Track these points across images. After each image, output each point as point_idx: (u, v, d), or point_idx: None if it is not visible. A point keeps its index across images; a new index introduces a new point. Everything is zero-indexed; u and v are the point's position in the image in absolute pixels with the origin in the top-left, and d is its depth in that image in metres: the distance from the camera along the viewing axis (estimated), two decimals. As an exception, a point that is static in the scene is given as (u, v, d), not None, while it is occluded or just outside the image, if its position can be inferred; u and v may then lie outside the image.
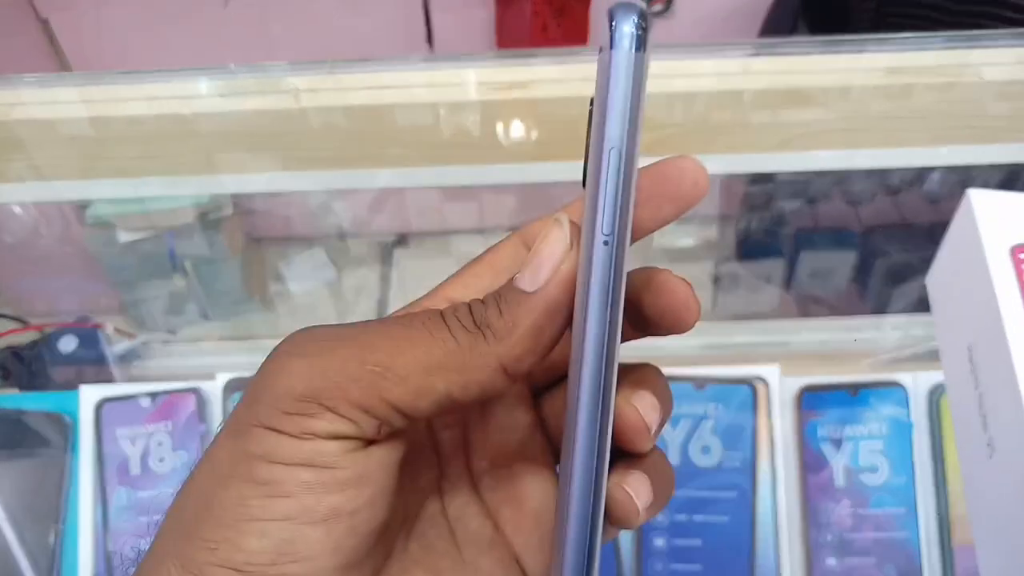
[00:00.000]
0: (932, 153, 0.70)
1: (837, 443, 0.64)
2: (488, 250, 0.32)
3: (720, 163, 0.72)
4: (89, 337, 0.77)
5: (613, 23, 0.24)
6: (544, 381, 0.33)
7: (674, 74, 0.67)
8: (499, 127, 0.69)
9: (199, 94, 0.69)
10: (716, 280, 1.12)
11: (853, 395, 0.65)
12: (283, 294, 1.19)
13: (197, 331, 1.11)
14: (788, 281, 1.08)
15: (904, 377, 0.65)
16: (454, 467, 0.32)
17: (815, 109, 0.67)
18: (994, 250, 0.42)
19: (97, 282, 1.07)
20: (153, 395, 0.68)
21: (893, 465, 0.64)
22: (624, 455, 0.28)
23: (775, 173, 0.97)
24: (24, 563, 0.65)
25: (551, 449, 0.32)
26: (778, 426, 0.64)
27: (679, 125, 0.68)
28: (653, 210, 0.28)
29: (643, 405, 0.28)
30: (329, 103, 0.68)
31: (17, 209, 0.87)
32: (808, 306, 1.11)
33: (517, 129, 0.69)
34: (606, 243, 0.25)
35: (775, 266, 1.09)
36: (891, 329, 0.78)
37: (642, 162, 0.28)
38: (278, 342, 0.27)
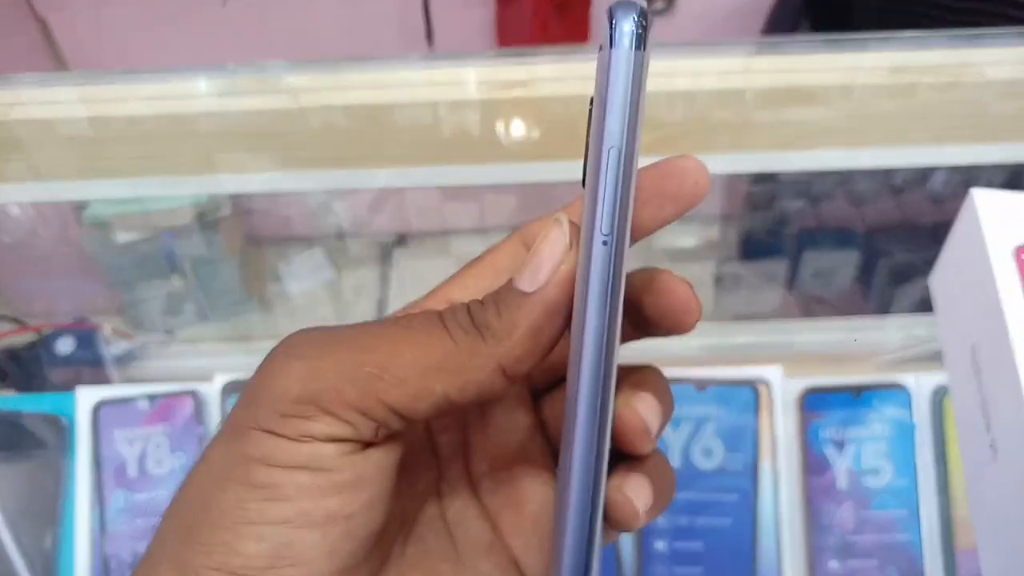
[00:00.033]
0: (935, 152, 0.70)
1: (840, 445, 0.64)
2: (488, 250, 0.32)
3: (722, 162, 0.71)
4: (87, 338, 0.77)
5: (613, 21, 0.24)
6: (544, 382, 0.33)
7: (675, 73, 0.67)
8: (499, 126, 0.69)
9: (198, 94, 0.69)
10: (718, 280, 1.12)
11: (856, 397, 0.65)
12: (282, 295, 1.19)
13: (195, 332, 1.11)
14: (791, 281, 1.08)
15: (907, 378, 0.65)
16: (453, 470, 0.32)
17: (817, 108, 0.67)
18: (997, 250, 0.42)
19: (95, 283, 1.07)
20: (151, 397, 0.68)
21: (896, 467, 0.63)
22: (624, 457, 0.28)
23: (777, 172, 0.97)
24: (21, 566, 0.65)
25: (551, 451, 0.32)
26: (780, 428, 0.64)
27: (680, 124, 0.68)
28: (654, 210, 0.28)
29: (643, 407, 0.28)
30: (328, 102, 0.67)
31: (15, 209, 0.87)
32: (811, 306, 1.11)
33: (518, 128, 0.69)
34: (605, 243, 0.24)
35: (777, 266, 1.09)
36: (894, 330, 0.78)
37: (643, 161, 0.28)
38: (277, 343, 0.27)
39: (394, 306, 0.32)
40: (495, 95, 0.68)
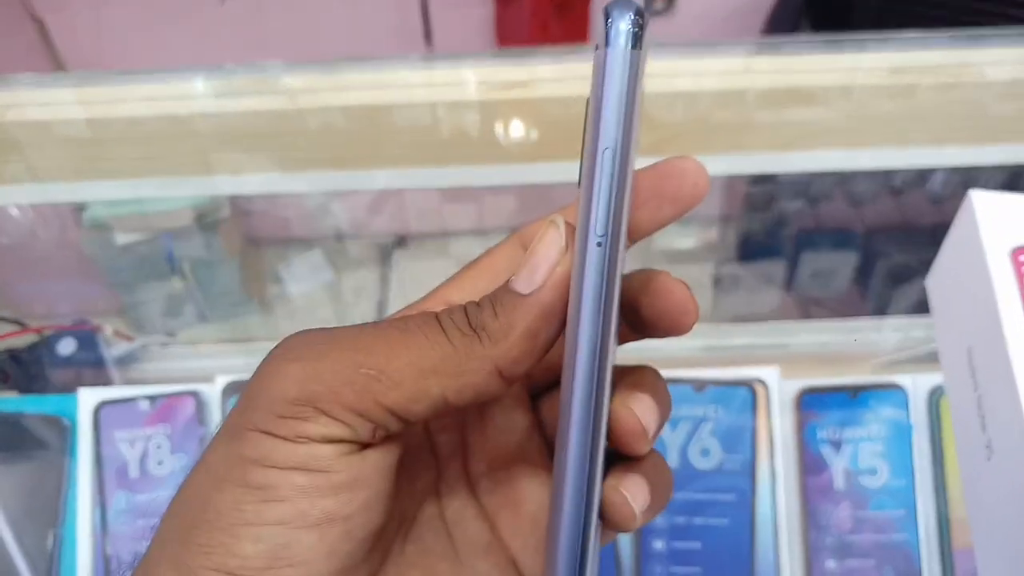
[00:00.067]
0: (935, 153, 0.70)
1: (837, 445, 0.64)
2: (486, 252, 0.32)
3: (721, 163, 0.72)
4: (87, 340, 0.77)
5: (609, 21, 0.24)
6: (543, 383, 0.33)
7: (675, 73, 0.67)
8: (499, 127, 0.69)
9: (196, 94, 0.69)
10: (717, 281, 1.12)
11: (853, 397, 0.65)
12: (282, 296, 1.19)
13: (195, 333, 1.11)
14: (789, 282, 1.08)
15: (904, 379, 0.65)
16: (451, 470, 0.32)
17: (817, 108, 0.67)
18: (994, 252, 0.42)
19: (95, 284, 1.07)
20: (152, 398, 0.68)
21: (893, 467, 0.63)
22: (622, 458, 0.28)
23: (776, 173, 0.97)
24: (22, 567, 0.65)
25: (549, 451, 0.32)
26: (777, 428, 0.64)
27: (680, 124, 0.68)
28: (653, 211, 0.28)
29: (640, 408, 0.27)
30: (327, 103, 0.67)
31: (14, 211, 0.87)
32: (808, 307, 1.11)
33: (517, 129, 0.69)
34: (600, 244, 0.24)
35: (776, 267, 1.09)
36: (891, 331, 0.78)
37: (643, 162, 0.28)
38: (276, 344, 0.27)
39: (394, 307, 0.32)
40: (494, 96, 0.68)
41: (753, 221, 1.10)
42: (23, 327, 0.78)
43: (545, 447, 0.32)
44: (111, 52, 1.63)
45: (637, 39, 0.24)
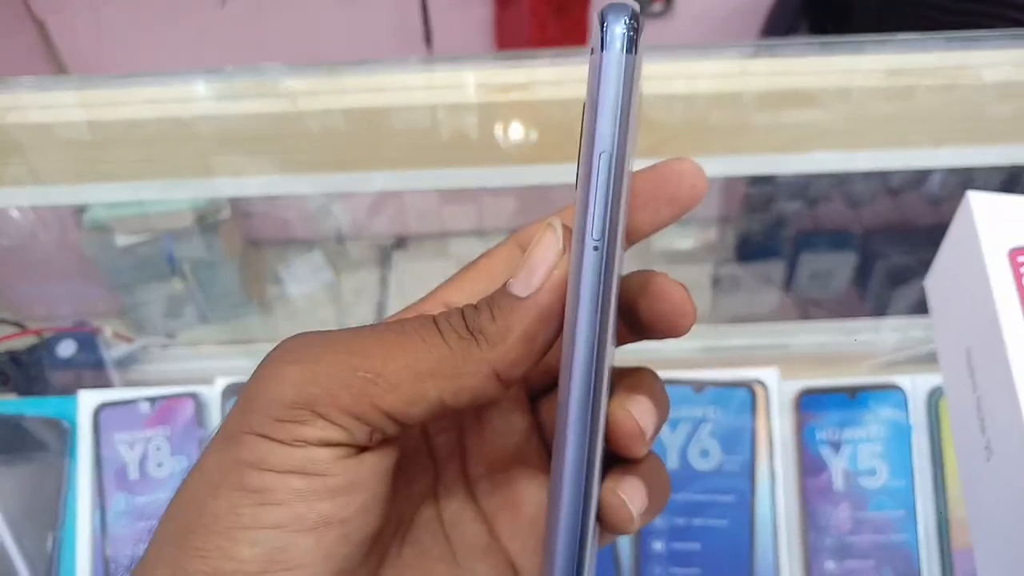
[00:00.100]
0: (932, 154, 0.70)
1: (836, 446, 0.64)
2: (484, 254, 0.32)
3: (720, 165, 0.72)
4: (87, 341, 0.77)
5: (604, 24, 0.24)
6: (541, 385, 0.33)
7: (673, 75, 0.67)
8: (498, 129, 0.69)
9: (196, 97, 0.69)
10: (715, 282, 1.12)
11: (852, 398, 0.65)
12: (282, 297, 1.19)
13: (196, 335, 1.11)
14: (787, 283, 1.08)
15: (903, 380, 0.65)
16: (449, 472, 0.32)
17: (815, 110, 0.67)
18: (992, 253, 0.42)
19: (95, 286, 1.07)
20: (152, 400, 0.68)
21: (892, 468, 0.63)
22: (619, 460, 0.28)
23: (775, 175, 0.97)
24: (22, 568, 0.65)
25: (548, 453, 0.32)
26: (777, 429, 0.64)
27: (678, 126, 0.68)
28: (651, 213, 0.28)
29: (638, 410, 0.27)
30: (327, 106, 0.68)
31: (15, 213, 0.87)
32: (807, 308, 1.11)
33: (516, 131, 0.69)
34: (596, 248, 0.24)
35: (774, 268, 1.09)
36: (890, 331, 0.78)
37: (641, 164, 0.28)
38: (274, 347, 0.27)
39: (393, 308, 0.32)
40: (493, 98, 0.68)
41: (752, 222, 1.10)
42: (23, 329, 0.78)
43: (544, 449, 0.32)
44: (111, 53, 1.62)
45: (632, 43, 0.24)
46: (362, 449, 0.26)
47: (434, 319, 0.27)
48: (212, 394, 0.68)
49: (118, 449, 0.67)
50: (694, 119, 0.68)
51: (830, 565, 0.62)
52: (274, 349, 0.27)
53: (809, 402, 0.65)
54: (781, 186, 1.06)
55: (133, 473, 0.67)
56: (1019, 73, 0.66)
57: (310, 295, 1.17)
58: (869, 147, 0.69)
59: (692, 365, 0.67)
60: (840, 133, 0.68)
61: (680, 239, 1.09)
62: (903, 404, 0.64)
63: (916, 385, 0.65)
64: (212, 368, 0.71)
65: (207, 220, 1.01)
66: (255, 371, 0.27)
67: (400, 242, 1.26)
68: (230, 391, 0.68)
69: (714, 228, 1.12)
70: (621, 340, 0.30)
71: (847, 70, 0.68)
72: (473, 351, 0.26)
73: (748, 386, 0.65)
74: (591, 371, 0.25)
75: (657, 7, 1.64)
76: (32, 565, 0.65)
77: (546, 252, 0.26)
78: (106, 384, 0.76)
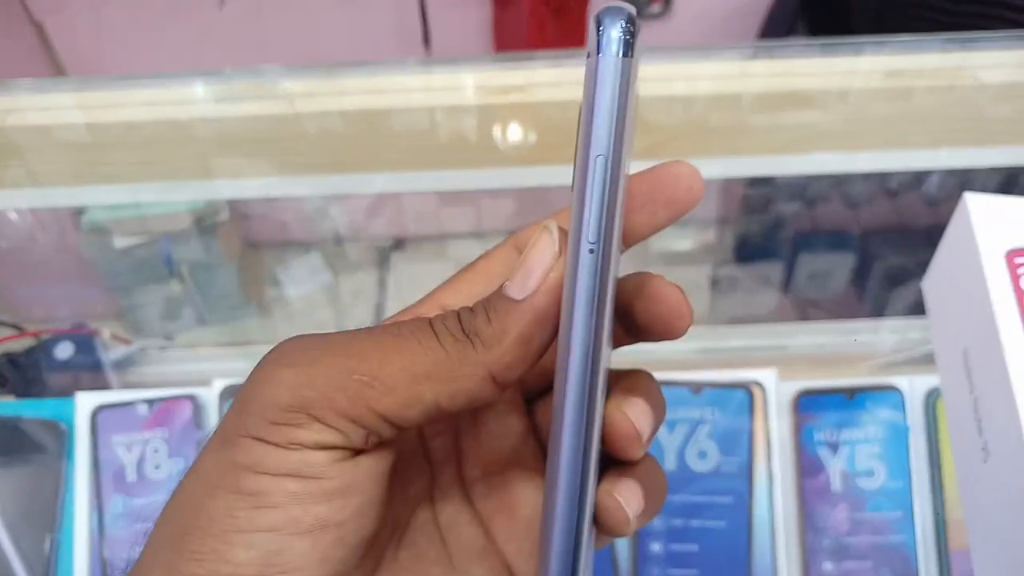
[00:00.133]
0: (931, 156, 0.70)
1: (834, 447, 0.64)
2: (482, 256, 0.32)
3: (719, 166, 0.72)
4: (85, 343, 0.77)
5: (600, 28, 0.24)
6: (537, 387, 0.33)
7: (672, 77, 0.67)
8: (496, 131, 0.69)
9: (195, 99, 0.69)
10: (714, 283, 1.12)
11: (849, 399, 0.65)
12: (280, 299, 1.19)
13: (194, 336, 1.11)
14: (786, 284, 1.08)
15: (900, 381, 0.65)
16: (446, 475, 0.32)
17: (814, 111, 0.67)
18: (990, 254, 0.42)
19: (93, 288, 1.07)
20: (149, 402, 0.68)
21: (890, 469, 0.63)
22: (616, 462, 0.28)
23: (773, 176, 0.97)
24: (20, 570, 0.65)
25: (544, 456, 0.32)
26: (775, 430, 0.64)
27: (677, 128, 0.68)
28: (648, 216, 0.28)
29: (634, 412, 0.27)
30: (325, 107, 0.68)
31: (13, 215, 0.87)
32: (806, 309, 1.11)
33: (515, 133, 0.69)
34: (592, 251, 0.24)
35: (773, 269, 1.09)
36: (888, 332, 0.78)
37: (640, 165, 0.28)
38: (270, 349, 0.27)
39: (392, 310, 0.32)
40: (492, 100, 0.68)
41: (750, 223, 1.11)
42: (21, 331, 0.78)
43: (540, 452, 0.32)
44: (111, 55, 1.63)
45: (629, 46, 0.24)
46: (358, 452, 0.26)
47: (430, 322, 0.27)
48: (210, 396, 0.68)
49: (116, 451, 0.67)
50: (693, 120, 0.68)
51: (828, 566, 0.62)
52: (270, 352, 0.27)
53: (807, 403, 0.65)
54: (779, 187, 1.06)
55: (131, 475, 0.67)
56: (1018, 74, 0.66)
57: (308, 297, 1.17)
58: (868, 148, 0.69)
59: (690, 366, 0.67)
60: (839, 134, 0.69)
61: (678, 240, 1.09)
62: (901, 405, 0.64)
63: (914, 386, 0.65)
64: (210, 370, 0.71)
65: (205, 222, 1.01)
66: (251, 374, 0.27)
67: (398, 244, 1.26)
68: (228, 393, 0.68)
69: (712, 229, 1.12)
70: (618, 342, 0.30)
71: (846, 71, 0.68)
72: (469, 354, 0.26)
73: (746, 387, 0.65)
74: (586, 373, 0.25)
75: (655, 8, 1.65)
76: (30, 567, 0.65)
77: (542, 255, 0.26)
78: (104, 386, 0.76)
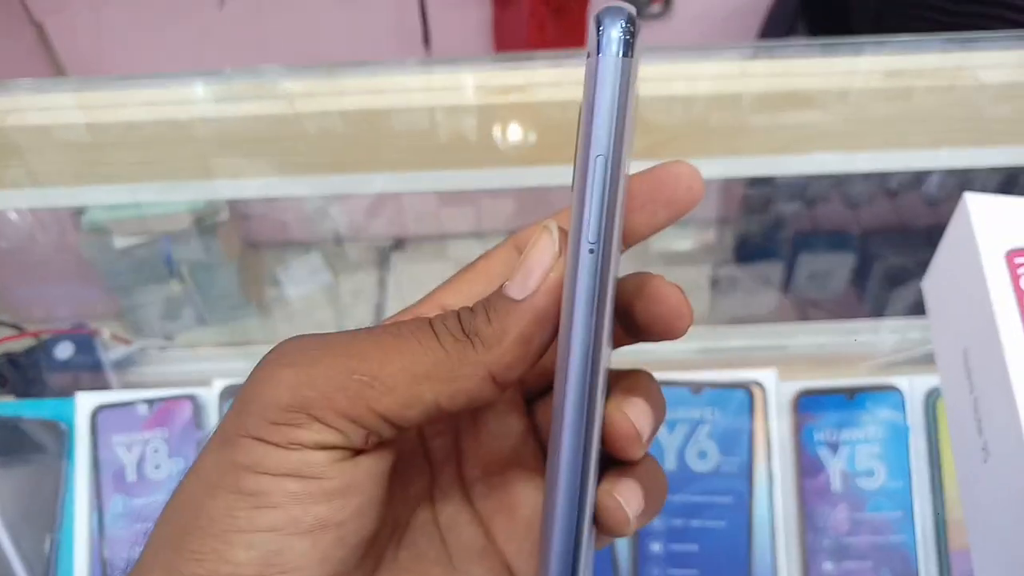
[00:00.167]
0: (931, 156, 0.70)
1: (834, 447, 0.64)
2: (482, 256, 0.32)
3: (719, 166, 0.72)
4: (85, 343, 0.77)
5: (600, 28, 0.24)
6: (537, 387, 0.33)
7: (672, 77, 0.67)
8: (496, 131, 0.69)
9: (195, 99, 0.69)
10: (714, 283, 1.12)
11: (849, 399, 0.65)
12: (280, 299, 1.19)
13: (194, 336, 1.11)
14: (786, 284, 1.08)
15: (900, 381, 0.65)
16: (446, 475, 0.32)
17: (814, 111, 0.67)
18: (990, 254, 0.42)
19: (93, 288, 1.07)
20: (149, 402, 0.68)
21: (890, 469, 0.63)
22: (616, 463, 0.28)
23: (773, 176, 0.97)
24: (20, 570, 0.65)
25: (544, 456, 0.32)
26: (775, 430, 0.64)
27: (677, 128, 0.68)
28: (648, 216, 0.28)
29: (634, 412, 0.27)
30: (325, 107, 0.68)
31: (13, 215, 0.87)
32: (806, 309, 1.11)
33: (514, 133, 0.69)
34: (592, 251, 0.24)
35: (773, 269, 1.09)
36: (888, 332, 0.78)
37: (640, 165, 0.28)
38: (270, 349, 0.27)
39: (392, 310, 0.32)
40: (492, 100, 0.68)
41: (750, 223, 1.11)
42: (21, 331, 0.78)
43: (540, 452, 0.32)
44: (111, 55, 1.63)
45: (628, 46, 0.24)
46: (358, 452, 0.26)
47: (430, 322, 0.27)
48: (210, 396, 0.68)
49: (116, 451, 0.67)
50: (693, 120, 0.68)
51: (828, 566, 0.62)
52: (270, 352, 0.27)
53: (807, 403, 0.65)
54: (779, 187, 1.06)
55: (131, 475, 0.67)
56: (1018, 74, 0.66)
57: (308, 297, 1.17)
58: (868, 148, 0.69)
59: (690, 366, 0.67)
60: (839, 134, 0.69)
61: (679, 240, 1.09)
62: (901, 405, 0.64)
63: (914, 386, 0.65)
64: (210, 370, 0.71)
65: (205, 222, 1.01)
66: (251, 374, 0.27)
67: (398, 244, 1.26)
68: (228, 393, 0.68)
69: (713, 229, 1.12)
70: (618, 342, 0.30)
71: (846, 71, 0.68)
72: (469, 354, 0.26)
73: (746, 387, 0.65)
74: (586, 373, 0.25)
75: (656, 8, 1.65)
76: (30, 567, 0.65)
77: (542, 255, 0.26)
78: (104, 386, 0.76)
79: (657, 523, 0.63)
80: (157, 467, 0.67)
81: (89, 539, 0.66)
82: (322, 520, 0.25)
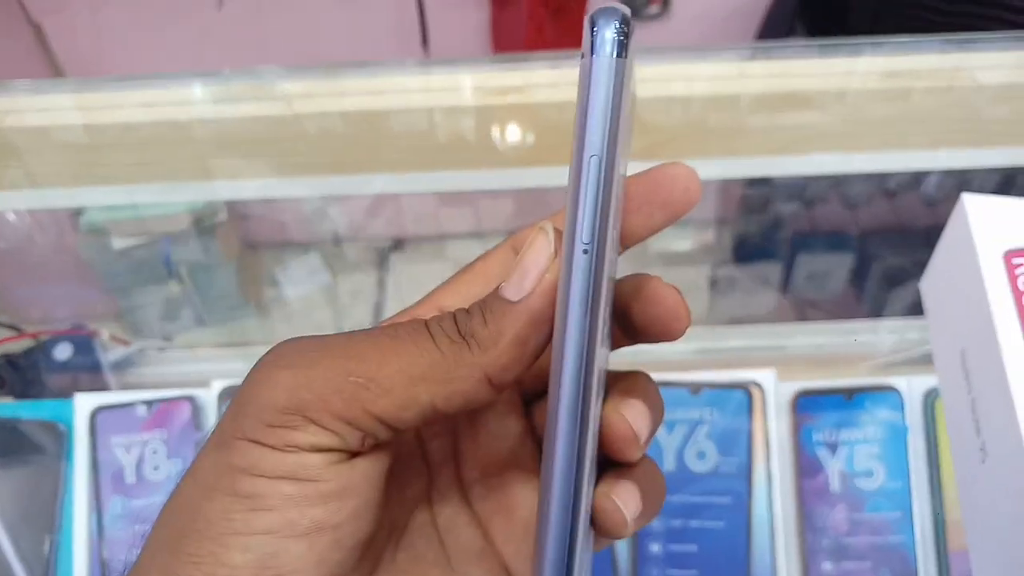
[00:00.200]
0: (929, 156, 0.70)
1: (832, 447, 0.64)
2: (480, 257, 0.32)
3: (717, 167, 0.72)
4: (84, 344, 0.77)
5: (595, 29, 0.24)
6: (535, 389, 0.33)
7: (670, 77, 0.67)
8: (495, 131, 0.69)
9: (193, 100, 0.69)
10: (712, 283, 1.12)
11: (848, 399, 0.65)
12: (279, 300, 1.19)
13: (193, 337, 1.11)
14: (784, 284, 1.08)
15: (899, 381, 0.65)
16: (444, 476, 0.32)
17: (812, 112, 0.67)
18: (987, 255, 0.42)
19: (92, 289, 1.07)
20: (148, 403, 0.68)
21: (888, 469, 0.63)
22: (614, 464, 0.28)
23: (772, 177, 0.97)
24: (19, 572, 0.65)
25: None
26: (773, 431, 0.64)
27: (676, 128, 0.68)
28: (645, 217, 0.28)
29: (632, 414, 0.27)
30: (324, 108, 0.68)
31: (11, 216, 0.87)
32: (804, 310, 1.11)
33: (513, 133, 0.69)
34: (586, 252, 0.24)
35: (771, 269, 1.09)
36: (886, 333, 0.78)
37: (637, 166, 0.28)
38: (267, 351, 0.27)
39: (390, 310, 0.32)
40: (490, 101, 0.68)
41: (749, 224, 1.11)
42: (19, 332, 0.78)
43: (538, 453, 0.32)
44: (109, 55, 1.62)
45: (623, 47, 0.24)
46: (354, 454, 0.26)
47: (426, 324, 0.27)
48: (209, 397, 0.68)
49: (115, 452, 0.67)
50: (692, 121, 0.68)
51: (827, 566, 0.62)
52: (267, 353, 0.27)
53: (806, 403, 0.65)
54: (778, 188, 1.06)
55: (130, 476, 0.66)
56: (1016, 75, 0.66)
57: (307, 297, 1.17)
58: (866, 149, 0.69)
59: (689, 367, 0.67)
60: (837, 135, 0.69)
61: (677, 241, 1.09)
62: (899, 405, 0.64)
63: (912, 386, 0.65)
64: (209, 371, 0.71)
65: (204, 223, 1.01)
66: (248, 375, 0.26)
67: (397, 244, 1.26)
68: (227, 394, 0.67)
69: (711, 230, 1.12)
70: (616, 344, 0.30)
71: (844, 72, 0.68)
72: (465, 355, 0.26)
73: (744, 388, 0.65)
74: (580, 374, 0.25)
75: (654, 8, 1.65)
76: (29, 568, 0.65)
77: (537, 256, 0.26)
78: (102, 387, 0.76)
79: (656, 524, 0.63)
80: (156, 468, 0.67)
81: (88, 540, 0.66)
82: (318, 523, 0.25)
